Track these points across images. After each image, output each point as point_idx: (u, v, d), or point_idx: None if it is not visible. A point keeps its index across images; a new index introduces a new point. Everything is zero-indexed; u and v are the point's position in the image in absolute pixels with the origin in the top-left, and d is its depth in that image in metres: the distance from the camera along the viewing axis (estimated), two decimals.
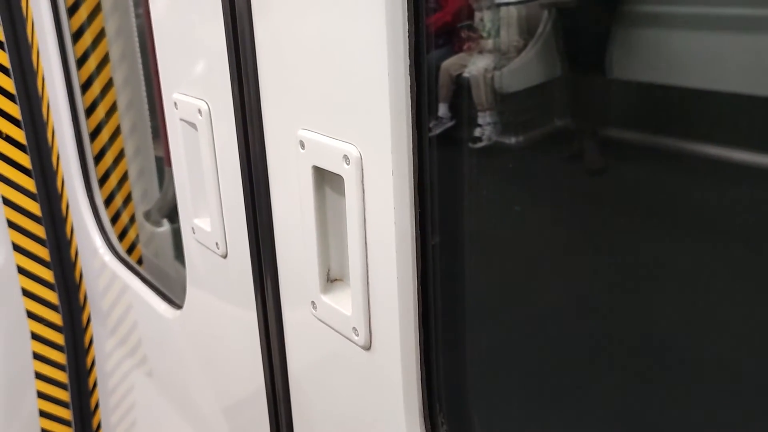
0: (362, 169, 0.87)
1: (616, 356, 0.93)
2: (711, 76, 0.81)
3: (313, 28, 0.88)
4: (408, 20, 0.78)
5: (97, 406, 2.23)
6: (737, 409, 0.82)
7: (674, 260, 0.86)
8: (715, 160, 0.80)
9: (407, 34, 0.79)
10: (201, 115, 1.18)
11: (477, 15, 0.99)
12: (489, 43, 0.99)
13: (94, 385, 2.21)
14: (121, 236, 2.06)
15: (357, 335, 0.95)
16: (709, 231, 0.82)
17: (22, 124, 1.92)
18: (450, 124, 0.95)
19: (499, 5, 0.97)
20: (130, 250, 2.09)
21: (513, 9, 0.97)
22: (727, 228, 0.80)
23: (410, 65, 0.80)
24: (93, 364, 2.19)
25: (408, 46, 0.79)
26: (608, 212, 0.92)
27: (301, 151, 0.95)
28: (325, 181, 0.96)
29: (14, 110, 1.90)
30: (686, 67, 0.83)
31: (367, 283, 0.92)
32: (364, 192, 0.88)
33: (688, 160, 0.83)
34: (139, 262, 2.14)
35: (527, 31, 0.96)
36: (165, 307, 1.64)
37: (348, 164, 0.88)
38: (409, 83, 0.81)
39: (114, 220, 2.05)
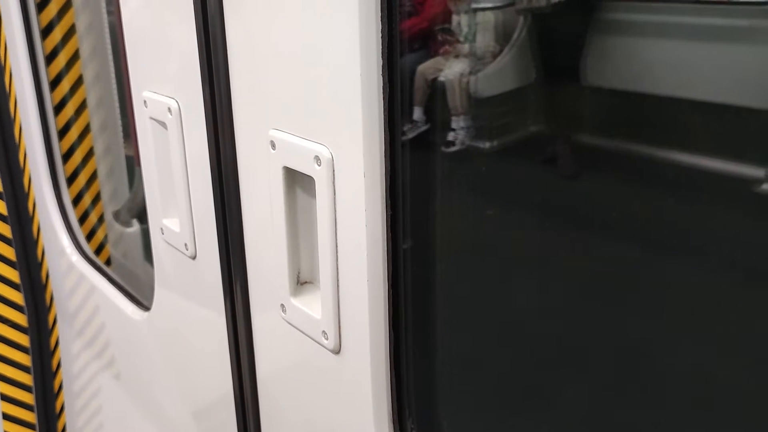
0: (333, 171, 0.86)
1: (588, 361, 0.92)
2: (684, 85, 0.82)
3: (285, 27, 0.87)
4: (381, 20, 0.77)
5: (62, 409, 2.19)
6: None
7: (644, 265, 0.86)
8: (686, 168, 0.81)
9: (380, 35, 0.78)
10: (171, 114, 1.16)
11: (454, 19, 0.99)
12: (465, 48, 0.98)
13: (60, 387, 2.17)
14: (89, 236, 2.02)
15: (326, 339, 0.94)
16: (678, 236, 0.82)
17: None
18: (424, 127, 0.95)
19: (476, 10, 0.97)
20: (99, 250, 2.05)
21: (490, 14, 0.97)
22: (696, 233, 0.81)
23: (383, 65, 0.79)
24: (59, 366, 2.15)
25: (381, 47, 0.78)
26: (580, 217, 0.92)
27: (272, 151, 0.94)
28: (296, 182, 0.95)
29: None
30: (659, 74, 0.84)
31: (338, 286, 0.91)
32: (335, 193, 0.87)
33: (661, 167, 0.83)
34: (108, 262, 2.10)
35: (503, 36, 0.96)
36: (133, 309, 1.61)
37: (319, 165, 0.87)
38: (382, 84, 0.80)
39: (82, 219, 2.02)
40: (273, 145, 0.94)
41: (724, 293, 0.79)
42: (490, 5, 0.99)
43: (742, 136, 0.78)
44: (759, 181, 0.75)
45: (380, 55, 0.79)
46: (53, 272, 2.04)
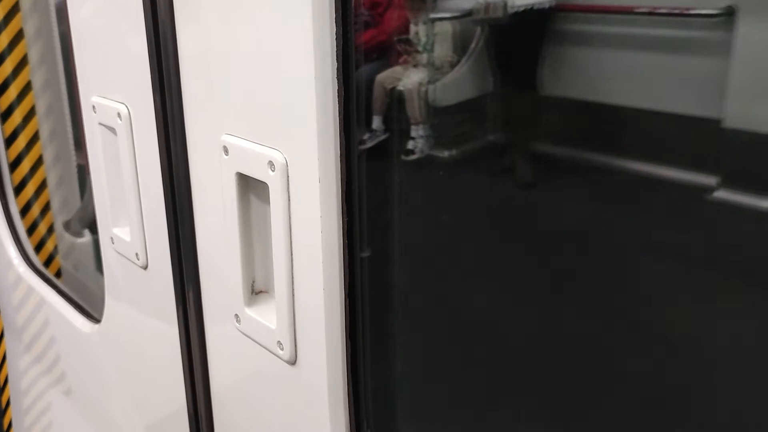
0: (288, 176, 0.84)
1: (548, 366, 0.92)
2: (637, 94, 0.82)
3: (238, 30, 0.85)
4: (335, 23, 0.76)
5: (9, 426, 2.12)
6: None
7: (600, 270, 0.86)
8: (639, 175, 0.81)
9: (334, 38, 0.77)
10: (121, 119, 1.13)
11: (412, 29, 0.99)
12: (424, 57, 0.98)
13: (7, 404, 2.10)
14: (39, 247, 1.97)
15: (282, 349, 0.92)
16: (633, 242, 0.83)
17: None
18: (384, 136, 0.94)
19: (434, 20, 0.97)
20: (48, 261, 2.00)
21: (448, 24, 0.97)
22: (651, 239, 0.81)
23: (338, 68, 0.78)
24: (6, 382, 2.08)
25: (335, 50, 0.77)
26: (537, 224, 0.92)
27: (225, 157, 0.92)
28: (250, 188, 0.93)
29: None
30: (612, 84, 0.84)
31: (293, 295, 0.89)
32: (289, 200, 0.85)
33: (615, 174, 0.84)
34: (58, 274, 2.05)
35: (461, 46, 0.96)
36: (82, 321, 1.56)
37: (273, 171, 0.85)
38: (337, 87, 0.78)
39: (31, 230, 1.96)
40: (226, 151, 0.91)
41: (678, 297, 0.80)
42: (447, 15, 0.99)
43: (697, 145, 0.78)
44: (711, 189, 0.75)
45: (335, 59, 0.77)
46: (0, 285, 1.98)
